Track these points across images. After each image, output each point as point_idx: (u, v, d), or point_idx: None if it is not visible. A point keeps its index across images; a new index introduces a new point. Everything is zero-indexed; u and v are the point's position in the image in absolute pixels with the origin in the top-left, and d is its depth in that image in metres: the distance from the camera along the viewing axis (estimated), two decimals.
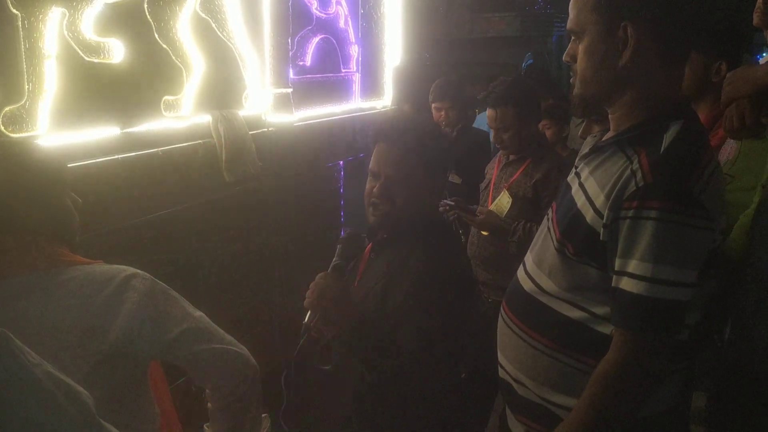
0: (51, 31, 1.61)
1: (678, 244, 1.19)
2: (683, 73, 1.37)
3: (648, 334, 1.22)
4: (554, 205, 1.47)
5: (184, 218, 2.09)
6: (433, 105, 3.68)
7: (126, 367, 1.29)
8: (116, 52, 1.76)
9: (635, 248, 1.20)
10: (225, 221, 2.33)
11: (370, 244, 1.74)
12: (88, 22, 1.70)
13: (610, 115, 1.38)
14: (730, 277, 1.64)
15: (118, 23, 1.78)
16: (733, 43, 2.16)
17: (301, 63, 2.56)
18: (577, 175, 1.40)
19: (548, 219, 1.46)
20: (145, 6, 1.85)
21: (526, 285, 1.44)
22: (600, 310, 1.30)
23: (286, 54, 2.42)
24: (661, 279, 1.18)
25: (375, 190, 1.61)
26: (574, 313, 1.34)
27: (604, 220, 1.25)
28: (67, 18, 1.64)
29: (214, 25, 2.10)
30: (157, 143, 1.93)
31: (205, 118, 2.11)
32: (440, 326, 1.46)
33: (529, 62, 10.15)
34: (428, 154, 1.61)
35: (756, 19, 1.96)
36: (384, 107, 3.14)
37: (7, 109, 1.54)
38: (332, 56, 2.77)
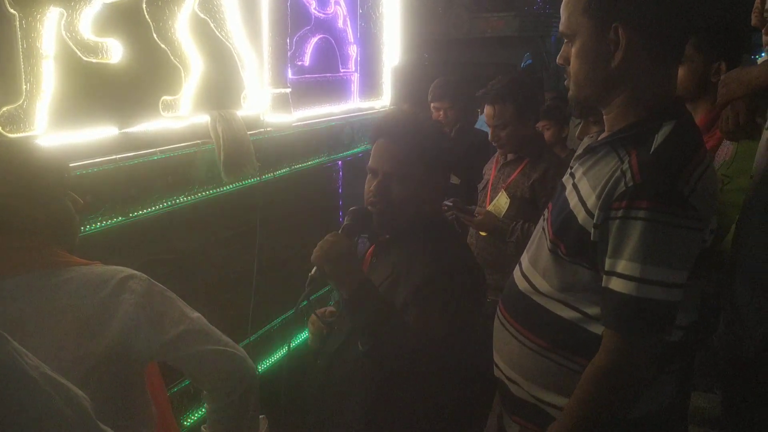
0: (49, 31, 1.60)
1: (666, 244, 1.19)
2: (676, 73, 1.38)
3: (637, 334, 1.23)
4: (550, 205, 1.48)
5: (181, 218, 2.09)
6: (432, 105, 3.68)
7: (123, 368, 1.29)
8: (114, 52, 1.76)
9: (624, 248, 1.21)
10: (223, 221, 2.33)
11: (372, 247, 1.73)
12: (86, 22, 1.69)
13: (604, 116, 1.38)
14: (724, 275, 1.65)
15: (117, 23, 1.77)
16: (732, 43, 2.16)
17: (299, 63, 2.56)
18: (572, 175, 1.41)
19: (544, 219, 1.47)
20: (144, 6, 1.85)
21: (521, 285, 1.45)
22: (592, 311, 1.31)
23: (285, 54, 2.41)
24: (649, 279, 1.19)
25: (372, 187, 1.60)
26: (567, 313, 1.34)
27: (594, 221, 1.26)
28: (65, 18, 1.64)
29: (212, 25, 2.10)
30: (156, 143, 1.93)
31: (204, 118, 2.10)
32: (447, 324, 1.46)
33: (527, 62, 10.17)
34: (429, 153, 1.58)
35: (754, 20, 1.97)
36: (383, 107, 3.14)
37: (4, 109, 1.53)
38: (331, 56, 2.76)
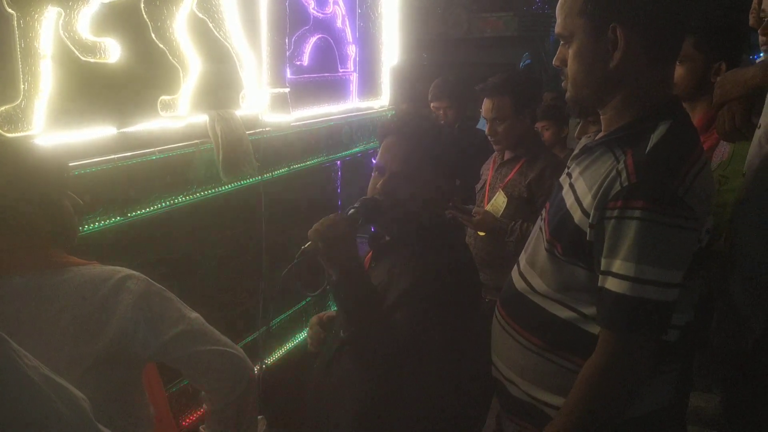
0: (47, 31, 1.60)
1: (661, 244, 1.20)
2: (673, 73, 1.38)
3: (632, 333, 1.23)
4: (547, 205, 1.48)
5: (180, 218, 2.09)
6: (431, 104, 3.68)
7: (121, 368, 1.29)
8: (112, 51, 1.76)
9: (619, 248, 1.21)
10: (222, 221, 2.33)
11: (371, 253, 1.72)
12: (84, 22, 1.69)
13: (601, 116, 1.38)
14: (718, 274, 1.65)
15: (115, 23, 1.77)
16: (733, 44, 2.17)
17: (298, 63, 2.56)
18: (569, 175, 1.41)
19: (541, 219, 1.47)
20: (142, 5, 1.85)
21: (519, 285, 1.45)
22: (589, 311, 1.31)
23: (283, 54, 2.41)
24: (644, 279, 1.19)
25: (378, 185, 1.58)
26: (564, 313, 1.34)
27: (590, 220, 1.26)
28: (63, 17, 1.64)
29: (210, 25, 2.10)
30: (154, 143, 1.92)
31: (202, 118, 2.10)
32: (430, 328, 1.44)
33: (526, 62, 10.17)
34: (437, 153, 1.57)
35: (752, 20, 1.97)
36: (381, 107, 3.14)
37: (2, 108, 1.53)
38: (329, 56, 2.76)
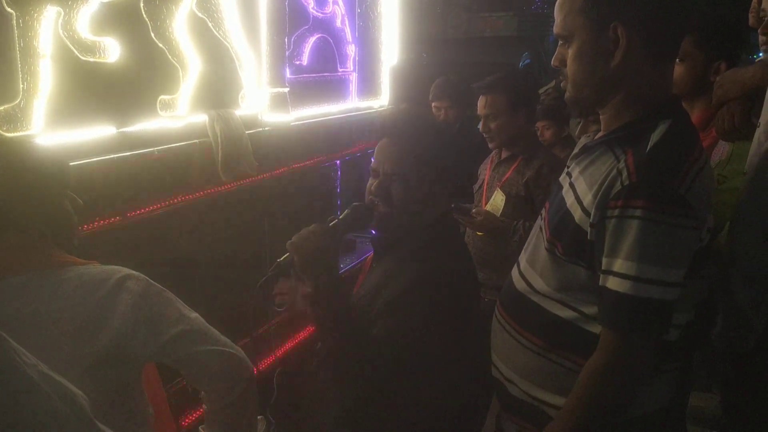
0: (46, 30, 1.60)
1: (662, 243, 1.19)
2: (672, 72, 1.38)
3: (634, 333, 1.23)
4: (547, 204, 1.48)
5: (179, 218, 2.08)
6: (432, 104, 3.69)
7: (120, 368, 1.29)
8: (112, 51, 1.76)
9: (620, 247, 1.21)
10: (221, 221, 2.33)
11: (372, 254, 1.71)
12: (83, 21, 1.69)
13: (601, 115, 1.38)
14: (719, 273, 1.65)
15: (114, 22, 1.77)
16: (733, 43, 2.17)
17: (297, 62, 2.56)
18: (568, 174, 1.41)
19: (541, 218, 1.47)
20: (141, 5, 1.84)
21: (519, 285, 1.45)
22: (589, 310, 1.31)
23: (283, 53, 2.41)
24: (645, 278, 1.19)
25: (372, 187, 1.56)
26: (565, 313, 1.34)
27: (591, 219, 1.26)
28: (62, 17, 1.63)
29: (210, 25, 2.10)
30: (153, 143, 1.92)
31: (202, 118, 2.10)
32: (424, 332, 1.42)
33: (526, 62, 10.18)
34: (433, 153, 1.54)
35: (751, 20, 1.97)
36: (381, 107, 3.14)
37: (1, 108, 1.53)
38: (329, 56, 2.76)
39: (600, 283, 1.26)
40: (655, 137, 1.25)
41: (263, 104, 2.36)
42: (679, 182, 1.21)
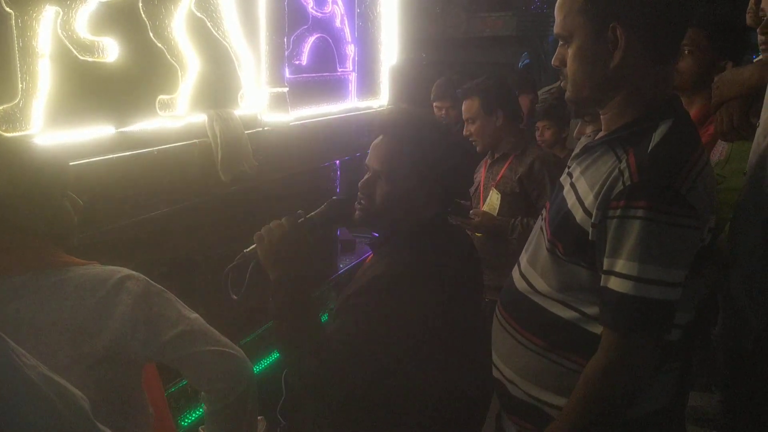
0: (45, 30, 1.60)
1: (664, 243, 1.19)
2: (672, 71, 1.38)
3: (635, 333, 1.23)
4: (547, 204, 1.47)
5: (179, 218, 2.08)
6: (434, 104, 3.69)
7: (120, 369, 1.29)
8: (111, 51, 1.75)
9: (622, 248, 1.21)
10: (220, 221, 2.32)
11: (371, 254, 1.71)
12: (82, 21, 1.68)
13: (601, 116, 1.38)
14: (720, 272, 1.66)
15: (113, 22, 1.77)
16: (741, 44, 2.19)
17: (297, 62, 2.55)
18: (569, 175, 1.40)
19: (542, 218, 1.47)
20: (140, 5, 1.84)
21: (520, 285, 1.45)
22: (591, 310, 1.31)
23: (282, 53, 2.41)
24: (647, 278, 1.19)
25: (359, 183, 1.55)
26: (566, 313, 1.34)
27: (592, 220, 1.26)
28: (61, 16, 1.63)
29: (209, 24, 2.09)
30: (152, 143, 1.92)
31: (201, 118, 2.09)
32: (381, 327, 1.39)
33: (525, 62, 10.18)
34: (423, 155, 1.51)
35: (749, 19, 1.97)
36: (380, 107, 3.14)
37: (0, 108, 1.52)
38: (328, 55, 2.76)
39: (601, 283, 1.25)
40: (656, 137, 1.25)
41: (262, 104, 2.36)
42: (680, 182, 1.21)
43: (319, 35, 2.66)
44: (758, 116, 1.63)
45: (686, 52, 2.18)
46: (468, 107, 2.87)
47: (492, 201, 2.76)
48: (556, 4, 1.34)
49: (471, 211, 2.71)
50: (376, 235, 1.66)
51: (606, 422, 1.27)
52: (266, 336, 2.52)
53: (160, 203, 1.95)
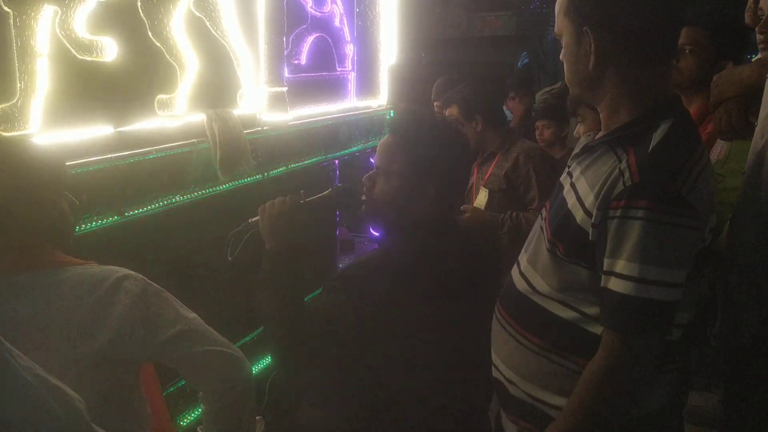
0: (43, 29, 1.59)
1: (665, 244, 1.19)
2: (670, 72, 1.38)
3: (636, 334, 1.22)
4: (548, 204, 1.47)
5: (178, 218, 2.08)
6: (434, 104, 3.69)
7: (118, 369, 1.28)
8: (109, 50, 1.75)
9: (623, 248, 1.20)
10: (219, 221, 2.32)
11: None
12: (80, 20, 1.68)
13: (600, 115, 1.38)
14: (719, 271, 1.65)
15: (111, 21, 1.76)
16: (743, 44, 2.19)
17: (296, 62, 2.55)
18: (569, 174, 1.40)
19: (542, 218, 1.46)
20: (139, 4, 1.84)
21: (520, 285, 1.44)
22: (591, 311, 1.30)
23: (281, 53, 2.41)
24: (648, 279, 1.18)
25: (363, 178, 1.61)
26: (566, 313, 1.34)
27: (593, 220, 1.26)
28: (59, 16, 1.63)
29: (208, 24, 2.09)
30: (151, 142, 1.92)
31: (200, 117, 2.09)
32: (346, 317, 1.43)
33: (524, 61, 10.17)
34: (418, 151, 1.54)
35: (747, 18, 1.97)
36: (380, 106, 3.14)
37: None
38: (327, 55, 2.76)
39: (602, 284, 1.25)
40: (657, 137, 1.25)
41: (261, 104, 2.35)
42: (681, 182, 1.20)
43: (318, 35, 2.66)
44: (757, 115, 1.63)
45: (687, 51, 2.19)
46: (449, 115, 2.98)
47: (480, 199, 2.83)
48: (555, 5, 1.37)
49: (462, 207, 2.76)
50: (375, 234, 1.71)
51: (606, 422, 1.26)
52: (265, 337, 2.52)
53: (159, 203, 1.95)
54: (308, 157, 2.67)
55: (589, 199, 1.28)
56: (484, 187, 2.84)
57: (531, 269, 1.43)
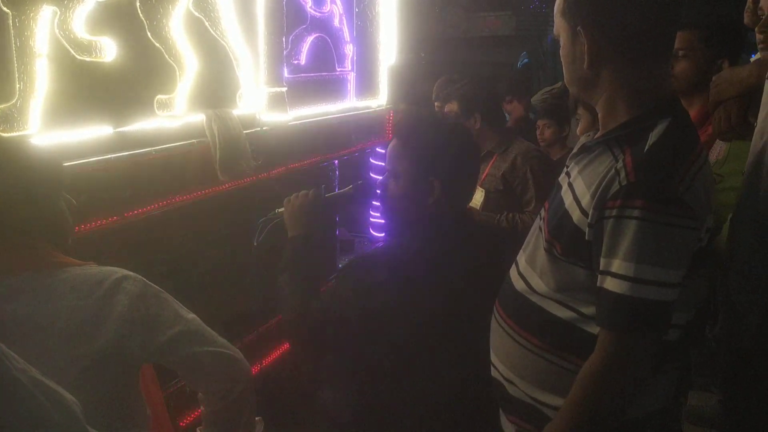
0: (42, 30, 1.59)
1: (661, 243, 1.19)
2: (668, 71, 1.38)
3: (631, 333, 1.22)
4: (546, 204, 1.47)
5: (177, 218, 2.08)
6: (435, 104, 3.69)
7: (117, 370, 1.28)
8: (108, 50, 1.75)
9: (618, 248, 1.20)
10: (219, 221, 2.32)
11: None
12: (79, 21, 1.68)
13: (598, 115, 1.38)
14: (719, 272, 1.66)
15: (110, 21, 1.76)
16: (737, 42, 2.18)
17: (295, 62, 2.55)
18: (568, 174, 1.40)
19: (540, 218, 1.46)
20: (138, 4, 1.84)
21: (518, 285, 1.44)
22: (588, 310, 1.30)
23: (281, 53, 2.41)
24: (644, 279, 1.18)
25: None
26: (564, 313, 1.34)
27: (589, 220, 1.26)
28: (58, 16, 1.63)
29: (207, 24, 2.09)
30: (151, 142, 1.91)
31: (199, 117, 2.09)
32: (345, 306, 1.53)
33: (524, 61, 10.17)
34: (419, 152, 1.61)
35: (746, 18, 1.97)
36: (379, 106, 3.13)
37: None
38: (327, 55, 2.76)
39: (598, 283, 1.25)
40: (653, 137, 1.25)
41: (261, 104, 2.35)
42: (677, 182, 1.20)
43: (317, 35, 2.66)
44: (756, 116, 1.63)
45: (681, 55, 2.18)
46: (448, 111, 2.98)
47: (476, 199, 2.82)
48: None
49: None
50: (375, 235, 1.77)
51: (603, 422, 1.26)
52: (264, 337, 2.52)
53: (158, 203, 1.95)
54: (308, 158, 2.67)
55: (585, 199, 1.28)
56: (480, 187, 2.83)
57: (529, 269, 1.43)
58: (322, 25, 2.69)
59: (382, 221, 1.94)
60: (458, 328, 1.55)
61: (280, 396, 2.31)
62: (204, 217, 2.23)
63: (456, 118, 3.66)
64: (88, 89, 1.73)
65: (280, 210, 1.79)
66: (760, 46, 1.80)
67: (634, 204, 1.19)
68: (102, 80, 1.76)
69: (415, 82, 4.15)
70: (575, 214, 1.30)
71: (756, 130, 1.59)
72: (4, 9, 1.51)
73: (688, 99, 2.15)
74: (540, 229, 1.44)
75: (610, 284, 1.22)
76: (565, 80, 1.40)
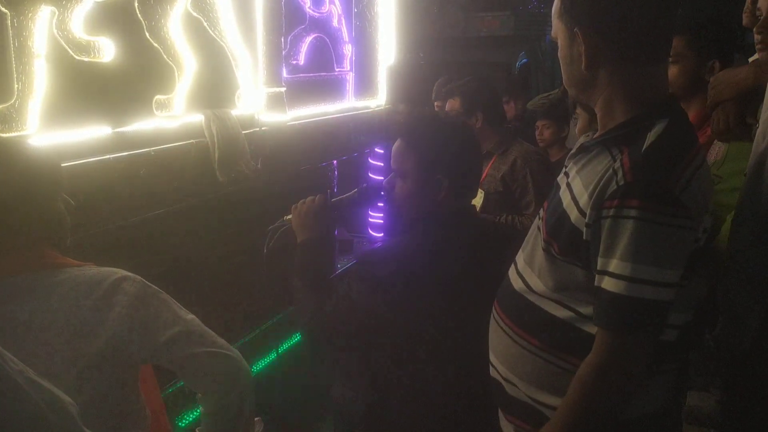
0: (40, 30, 1.59)
1: (657, 243, 1.19)
2: (665, 71, 1.38)
3: (628, 333, 1.22)
4: (545, 204, 1.48)
5: (176, 219, 2.07)
6: (435, 104, 3.69)
7: (116, 370, 1.28)
8: (107, 50, 1.75)
9: (615, 247, 1.20)
10: (218, 221, 2.32)
11: None
12: (78, 21, 1.68)
13: (597, 115, 1.39)
14: (719, 274, 1.65)
15: (109, 22, 1.76)
16: (724, 42, 2.17)
17: (294, 62, 2.55)
18: (566, 174, 1.40)
19: (539, 218, 1.46)
20: (136, 4, 1.84)
21: (517, 284, 1.45)
22: (586, 310, 1.30)
23: (279, 53, 2.40)
24: (640, 278, 1.18)
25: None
26: (562, 313, 1.34)
27: (587, 220, 1.26)
28: (56, 16, 1.63)
29: (205, 24, 2.09)
30: (149, 143, 1.91)
31: (198, 118, 2.09)
32: (351, 303, 1.57)
33: (523, 61, 10.18)
34: (423, 151, 1.64)
35: (745, 19, 1.97)
36: (378, 106, 3.14)
37: None
38: (326, 55, 2.76)
39: (595, 283, 1.25)
40: (651, 137, 1.25)
41: (260, 104, 2.35)
42: (674, 182, 1.20)
43: (316, 35, 2.66)
44: (755, 117, 1.63)
45: (669, 62, 2.17)
46: (449, 108, 2.97)
47: (475, 200, 2.80)
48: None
49: None
50: (374, 235, 1.79)
51: (600, 422, 1.26)
52: (263, 337, 2.52)
53: (157, 204, 1.95)
54: (307, 158, 2.67)
55: (583, 199, 1.28)
56: (479, 188, 2.83)
57: (528, 269, 1.43)
58: (321, 25, 2.69)
59: (382, 221, 1.96)
60: (460, 326, 1.56)
61: (280, 396, 2.31)
62: (203, 217, 2.22)
63: (457, 116, 3.68)
64: (87, 89, 1.73)
65: (288, 218, 1.82)
66: (758, 47, 1.80)
67: (631, 204, 1.19)
68: (100, 80, 1.76)
69: (413, 82, 4.15)
70: (573, 214, 1.30)
71: (758, 131, 1.59)
72: (3, 9, 1.51)
73: (685, 102, 2.15)
74: (538, 228, 1.44)
75: (608, 284, 1.22)
76: (563, 81, 1.40)
